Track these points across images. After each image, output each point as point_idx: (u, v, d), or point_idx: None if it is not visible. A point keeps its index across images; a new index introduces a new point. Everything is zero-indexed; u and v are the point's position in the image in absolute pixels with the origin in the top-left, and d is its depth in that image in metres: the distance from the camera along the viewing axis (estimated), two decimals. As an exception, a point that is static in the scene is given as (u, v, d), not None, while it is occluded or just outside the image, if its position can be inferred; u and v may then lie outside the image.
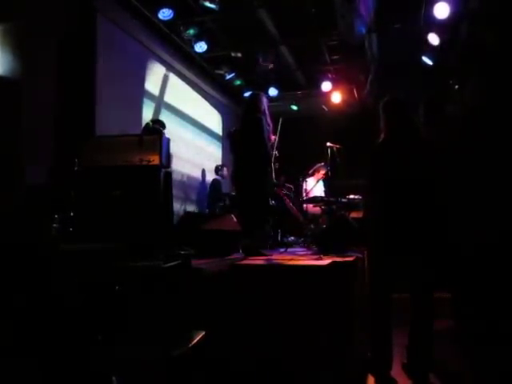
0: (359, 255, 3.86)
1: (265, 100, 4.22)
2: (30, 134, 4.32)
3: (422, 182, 2.82)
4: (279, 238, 5.48)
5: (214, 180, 7.22)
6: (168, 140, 4.05)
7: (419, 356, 2.73)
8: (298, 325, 2.79)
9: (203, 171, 7.48)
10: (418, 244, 2.77)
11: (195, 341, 1.94)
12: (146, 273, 2.09)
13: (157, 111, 6.14)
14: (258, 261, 3.65)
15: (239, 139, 4.25)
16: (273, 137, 4.44)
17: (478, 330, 3.21)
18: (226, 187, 7.32)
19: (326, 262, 3.39)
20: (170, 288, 2.03)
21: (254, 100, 4.22)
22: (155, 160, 3.84)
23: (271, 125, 4.26)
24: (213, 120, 8.12)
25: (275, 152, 4.63)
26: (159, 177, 3.83)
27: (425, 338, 2.75)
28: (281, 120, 5.02)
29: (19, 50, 4.27)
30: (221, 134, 8.32)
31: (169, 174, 3.97)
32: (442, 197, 2.92)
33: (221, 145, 8.31)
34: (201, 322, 2.17)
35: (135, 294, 2.05)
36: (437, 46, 5.93)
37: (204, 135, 7.72)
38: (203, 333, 2.02)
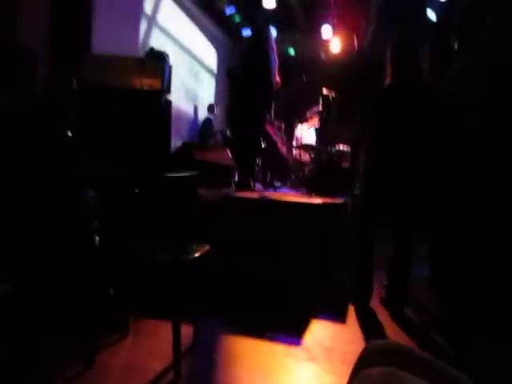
0: (347, 198, 4.01)
1: (273, 35, 4.13)
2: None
3: (421, 129, 2.90)
4: (268, 180, 5.57)
5: (207, 118, 7.18)
6: (170, 67, 3.99)
7: (396, 292, 2.95)
8: (288, 249, 2.96)
9: (195, 107, 7.39)
10: (406, 188, 2.90)
11: (201, 251, 2.06)
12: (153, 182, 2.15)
13: (154, 37, 5.95)
14: (253, 195, 3.77)
15: (243, 74, 4.18)
16: (277, 78, 4.38)
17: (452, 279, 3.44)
18: (217, 125, 7.30)
19: (318, 200, 3.54)
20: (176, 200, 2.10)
21: (262, 34, 4.12)
22: (157, 85, 3.79)
23: (277, 61, 4.21)
24: (208, 54, 7.92)
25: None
26: (159, 103, 3.80)
27: (402, 276, 2.95)
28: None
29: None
30: (215, 69, 8.15)
31: (169, 102, 3.94)
32: (439, 147, 3.02)
33: (214, 80, 8.16)
34: (202, 238, 2.27)
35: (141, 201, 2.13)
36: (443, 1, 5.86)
37: (199, 68, 7.55)
38: (208, 246, 2.14)
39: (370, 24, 7.12)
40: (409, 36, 6.08)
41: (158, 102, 3.77)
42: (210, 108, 7.27)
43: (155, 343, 2.20)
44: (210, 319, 2.42)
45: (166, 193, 1.99)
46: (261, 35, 4.15)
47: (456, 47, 5.63)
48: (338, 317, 2.68)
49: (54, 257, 2.23)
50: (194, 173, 2.04)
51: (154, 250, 1.96)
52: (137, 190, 1.93)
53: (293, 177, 5.95)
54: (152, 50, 4.40)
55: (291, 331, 2.41)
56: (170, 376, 1.88)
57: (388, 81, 3.05)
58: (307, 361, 2.09)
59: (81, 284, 2.23)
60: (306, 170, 6.04)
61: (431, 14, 6.18)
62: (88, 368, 1.89)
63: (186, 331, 2.13)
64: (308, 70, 7.93)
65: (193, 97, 7.30)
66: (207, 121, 7.14)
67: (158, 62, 3.89)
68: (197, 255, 2.00)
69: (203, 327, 2.26)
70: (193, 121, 7.30)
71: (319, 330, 2.47)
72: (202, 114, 7.35)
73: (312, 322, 2.56)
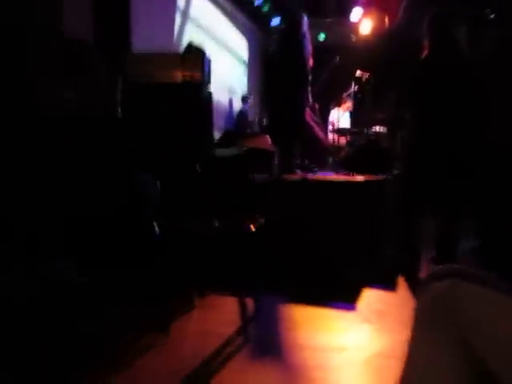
0: (388, 176, 4.09)
1: (306, 22, 4.22)
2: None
3: (461, 102, 2.93)
4: (307, 164, 5.66)
5: (241, 109, 7.34)
6: (209, 60, 4.15)
7: (444, 263, 3.02)
8: (335, 225, 3.10)
9: (230, 99, 7.55)
10: (455, 162, 2.93)
11: (256, 224, 2.23)
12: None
13: (187, 31, 6.14)
14: (296, 177, 3.91)
15: (277, 59, 4.30)
16: (311, 61, 4.47)
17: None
18: (252, 115, 7.45)
19: (360, 178, 3.64)
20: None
21: (295, 21, 4.22)
22: (198, 78, 3.97)
23: (311, 48, 4.30)
24: (240, 45, 8.06)
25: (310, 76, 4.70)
26: (201, 94, 3.98)
27: (450, 248, 3.02)
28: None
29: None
30: (247, 60, 8.30)
31: (210, 93, 4.11)
32: (482, 121, 3.03)
33: (246, 71, 8.30)
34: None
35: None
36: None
37: (232, 59, 7.69)
38: (263, 220, 2.31)
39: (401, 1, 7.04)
40: (445, 8, 6.00)
41: (200, 94, 3.94)
42: (244, 98, 7.42)
43: (220, 314, 2.39)
44: (268, 290, 2.59)
45: (222, 170, 2.17)
46: (293, 21, 4.24)
47: (491, 17, 5.52)
48: (389, 286, 2.80)
49: (121, 245, 2.44)
50: (246, 149, 2.21)
51: (214, 224, 2.15)
52: (198, 169, 2.11)
53: (331, 160, 6.02)
54: (190, 44, 4.57)
55: (345, 298, 2.55)
56: (240, 339, 2.06)
57: (425, 54, 3.08)
58: (363, 322, 2.23)
59: (148, 266, 2.44)
60: (343, 152, 6.10)
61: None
62: (165, 335, 2.10)
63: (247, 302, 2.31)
64: (340, 54, 7.94)
65: (227, 88, 7.46)
66: (242, 111, 7.30)
67: (197, 56, 4.05)
68: (252, 227, 2.18)
69: (262, 298, 2.44)
70: (228, 112, 7.47)
71: (371, 297, 2.60)
72: (237, 104, 7.50)
73: (364, 291, 2.69)
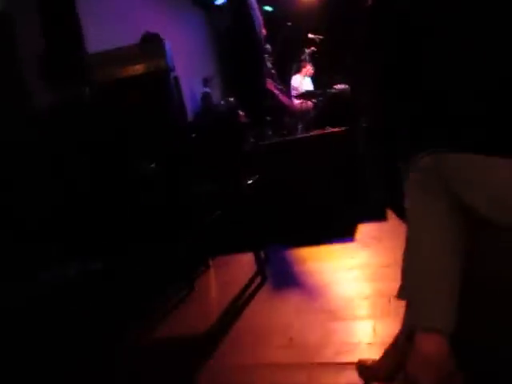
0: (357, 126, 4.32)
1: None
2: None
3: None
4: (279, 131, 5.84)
5: (205, 92, 7.42)
6: (170, 45, 4.24)
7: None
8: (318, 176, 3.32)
9: (191, 85, 7.62)
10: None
11: (252, 179, 2.44)
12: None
13: (140, 24, 6.17)
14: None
15: (231, 35, 4.44)
16: (264, 31, 4.61)
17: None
18: (216, 98, 7.55)
19: (334, 129, 3.86)
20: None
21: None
22: (162, 65, 4.08)
23: (261, 18, 4.45)
24: (193, 32, 8.12)
25: (267, 45, 4.86)
26: (169, 80, 4.09)
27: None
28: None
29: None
30: (203, 45, 8.37)
31: (177, 78, 4.22)
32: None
33: (204, 57, 8.38)
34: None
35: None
36: None
37: (187, 44, 7.74)
38: (257, 176, 2.52)
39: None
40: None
41: (167, 80, 4.06)
42: (205, 82, 7.48)
43: (234, 268, 2.62)
44: (273, 242, 2.81)
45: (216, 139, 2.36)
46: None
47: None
48: (380, 218, 3.05)
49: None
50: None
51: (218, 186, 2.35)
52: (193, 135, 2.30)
53: (300, 125, 6.21)
54: (146, 34, 4.63)
55: (343, 234, 2.80)
56: (258, 280, 2.28)
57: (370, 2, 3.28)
58: (362, 247, 2.50)
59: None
60: (312, 114, 6.29)
61: None
62: (192, 290, 2.32)
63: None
64: (292, 19, 8.03)
65: (188, 72, 7.54)
66: (206, 95, 7.37)
67: (156, 43, 4.15)
68: (250, 182, 2.39)
69: (269, 248, 2.67)
70: (191, 98, 7.55)
71: (366, 229, 2.87)
72: (198, 87, 7.57)
73: (358, 226, 2.95)
